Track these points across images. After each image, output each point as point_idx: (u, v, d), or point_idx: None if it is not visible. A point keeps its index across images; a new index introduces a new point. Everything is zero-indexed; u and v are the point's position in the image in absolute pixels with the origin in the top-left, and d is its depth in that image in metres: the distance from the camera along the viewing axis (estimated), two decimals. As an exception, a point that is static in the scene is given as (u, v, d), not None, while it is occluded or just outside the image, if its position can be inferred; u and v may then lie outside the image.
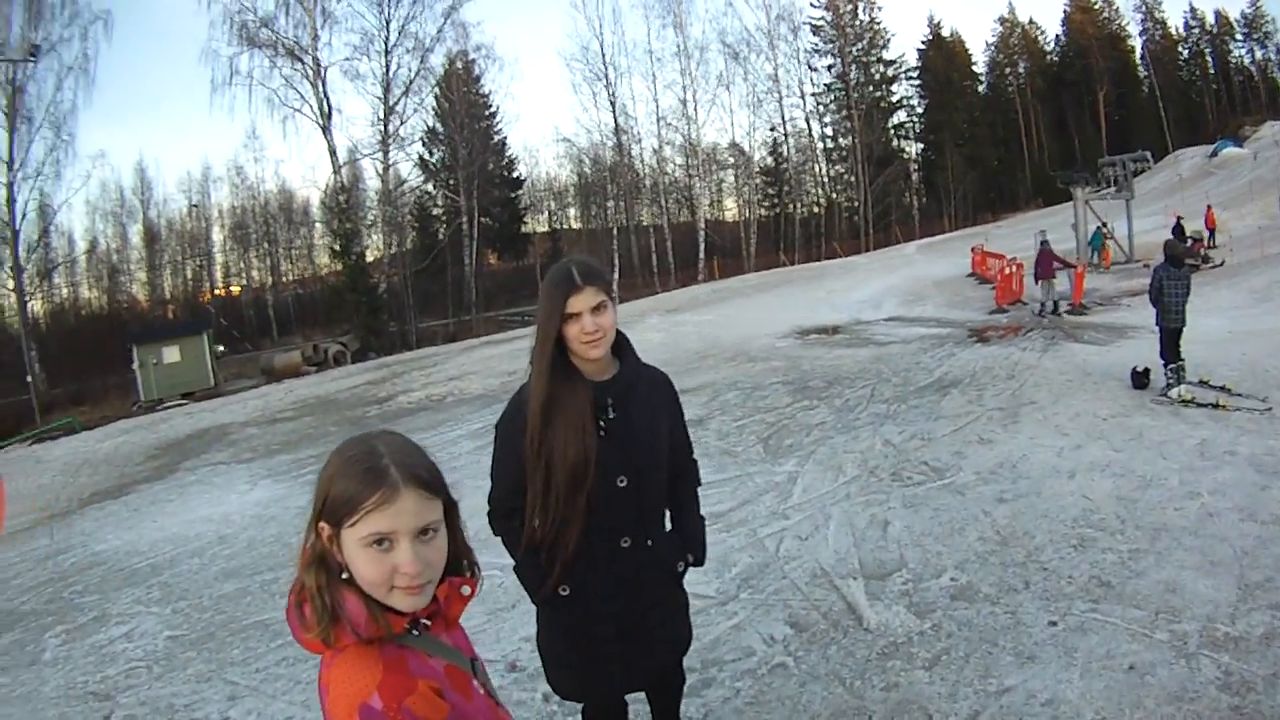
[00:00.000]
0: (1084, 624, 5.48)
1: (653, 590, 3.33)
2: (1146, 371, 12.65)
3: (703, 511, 3.58)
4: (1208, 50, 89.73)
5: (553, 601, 3.28)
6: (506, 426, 3.27)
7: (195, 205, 67.84)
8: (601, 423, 3.13)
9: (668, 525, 3.49)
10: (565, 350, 3.11)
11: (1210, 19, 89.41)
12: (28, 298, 48.03)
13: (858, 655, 5.41)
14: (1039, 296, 24.08)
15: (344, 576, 1.85)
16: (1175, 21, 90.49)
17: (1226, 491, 7.85)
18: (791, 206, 76.44)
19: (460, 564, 2.03)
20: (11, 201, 44.37)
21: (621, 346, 3.29)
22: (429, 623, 1.96)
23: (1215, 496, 7.72)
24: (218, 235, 69.84)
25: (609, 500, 3.14)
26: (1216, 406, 11.10)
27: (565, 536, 3.14)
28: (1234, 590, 5.79)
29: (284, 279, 71.95)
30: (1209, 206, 39.20)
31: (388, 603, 1.84)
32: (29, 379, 41.83)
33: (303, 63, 47.55)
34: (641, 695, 3.75)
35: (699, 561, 3.49)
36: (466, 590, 2.03)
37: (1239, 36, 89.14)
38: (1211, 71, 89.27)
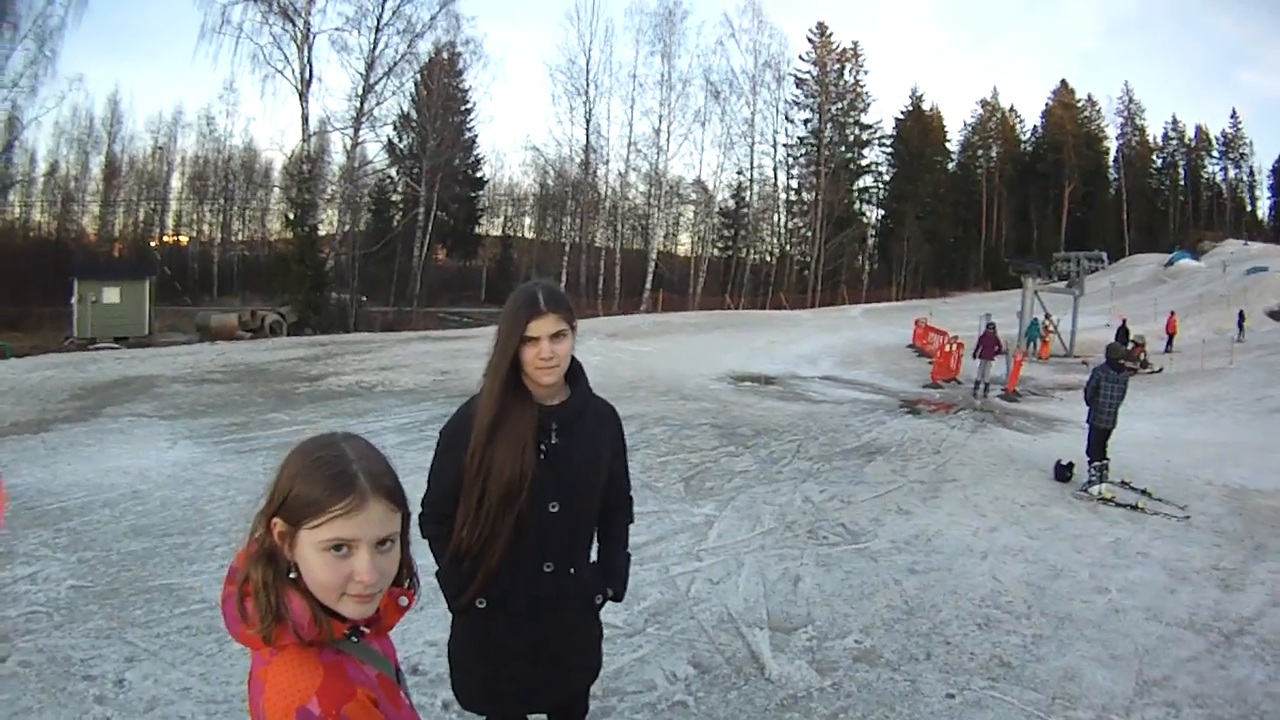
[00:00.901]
0: (981, 700, 5.53)
1: (569, 617, 3.32)
2: (1070, 465, 12.77)
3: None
4: (1182, 162, 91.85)
5: (469, 612, 3.26)
6: (451, 434, 3.27)
7: (160, 147, 66.66)
8: (543, 446, 3.14)
9: (594, 556, 3.48)
10: (520, 371, 3.12)
11: (1190, 133, 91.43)
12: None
13: (757, 703, 5.41)
14: (975, 376, 24.40)
15: (291, 576, 1.81)
16: (1154, 130, 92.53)
17: (1135, 590, 7.97)
18: (745, 251, 77.22)
19: (401, 572, 1.98)
20: (-20, 108, 43.38)
21: (575, 375, 3.30)
22: (367, 630, 1.92)
23: (1123, 594, 7.83)
24: (176, 182, 68.82)
25: (539, 523, 3.14)
26: (1135, 508, 11.25)
27: (490, 551, 3.14)
28: (1131, 684, 5.88)
29: (234, 238, 70.87)
30: (1172, 313, 40.26)
31: (336, 608, 1.80)
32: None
33: (294, 24, 46.76)
34: (543, 717, 3.70)
35: (618, 597, 3.50)
36: (404, 601, 2.02)
37: (1215, 154, 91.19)
38: (1182, 183, 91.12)
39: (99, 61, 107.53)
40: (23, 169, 56.83)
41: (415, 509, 3.26)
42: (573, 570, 3.27)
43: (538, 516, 3.14)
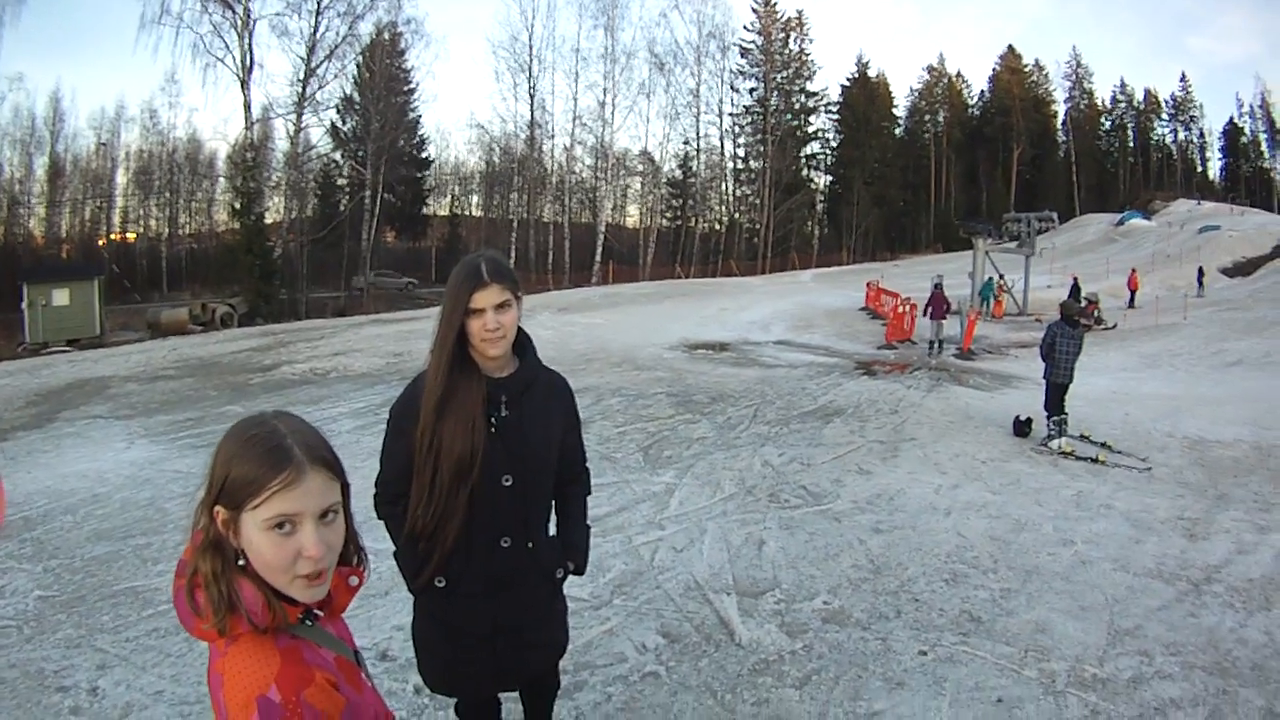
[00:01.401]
0: (953, 655, 5.51)
1: (529, 593, 3.30)
2: (1029, 421, 12.83)
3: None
4: (1130, 124, 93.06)
5: (428, 592, 3.26)
6: (400, 413, 3.24)
7: (104, 144, 65.44)
8: (493, 420, 3.12)
9: (553, 530, 3.47)
10: (466, 344, 3.09)
11: (1139, 95, 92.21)
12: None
13: (729, 669, 5.37)
14: (929, 336, 24.67)
15: (240, 563, 1.77)
16: (1103, 94, 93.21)
17: (1100, 542, 7.98)
18: (694, 221, 77.34)
19: (348, 549, 1.96)
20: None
21: (523, 346, 3.28)
22: (320, 613, 1.91)
23: (1089, 546, 7.84)
24: (121, 178, 67.73)
25: (492, 498, 3.13)
26: (1096, 461, 11.30)
27: (445, 529, 3.12)
28: (1103, 635, 5.88)
29: (181, 231, 69.90)
30: (1133, 270, 40.75)
31: (288, 592, 1.78)
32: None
33: (234, 11, 46.29)
34: (515, 694, 3.75)
35: (579, 570, 3.49)
36: (355, 581, 2.00)
37: (1164, 116, 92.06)
38: (1131, 145, 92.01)
39: (39, 59, 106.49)
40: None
41: (370, 491, 3.22)
42: (530, 545, 3.25)
43: (491, 491, 3.12)
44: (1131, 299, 38.02)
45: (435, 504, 3.08)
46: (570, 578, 3.43)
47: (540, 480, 3.28)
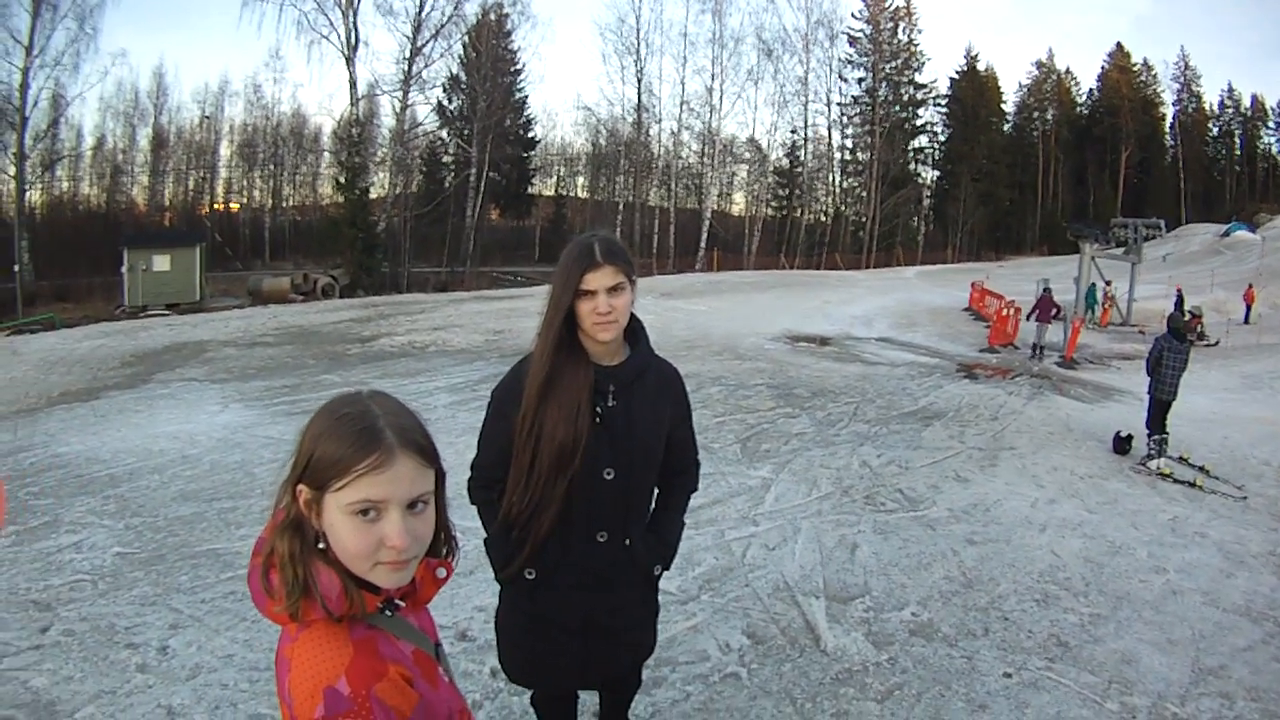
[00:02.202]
0: (1038, 681, 5.47)
1: (623, 591, 3.27)
2: (1129, 438, 12.59)
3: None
4: (1238, 131, 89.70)
5: (517, 583, 3.22)
6: (502, 395, 3.19)
7: (207, 117, 66.67)
8: (599, 409, 3.04)
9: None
10: (575, 328, 3.02)
11: (1246, 101, 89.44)
12: (27, 187, 47.80)
13: (811, 676, 5.37)
14: (1032, 339, 24.35)
15: (320, 546, 1.73)
16: (1211, 98, 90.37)
17: (1192, 572, 7.85)
18: (800, 211, 76.88)
19: (438, 540, 1.90)
20: (25, 88, 44.08)
21: (635, 333, 3.22)
22: (402, 603, 1.86)
23: (1181, 575, 7.72)
24: (225, 150, 68.78)
25: (592, 491, 3.06)
26: (1193, 485, 11.09)
27: (540, 519, 3.06)
28: (1188, 672, 5.80)
29: (285, 203, 71.00)
30: (1250, 285, 39.26)
31: (368, 578, 1.72)
32: (16, 268, 41.52)
33: (338, -11, 46.97)
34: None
35: (666, 567, 3.41)
36: (443, 573, 1.94)
37: (1271, 124, 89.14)
38: (1238, 153, 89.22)
39: (142, 36, 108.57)
40: (69, 145, 57.50)
41: (465, 473, 3.25)
42: (628, 541, 3.20)
43: (591, 484, 3.05)
44: (1247, 314, 36.67)
45: (532, 492, 3.02)
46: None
47: (644, 475, 3.22)
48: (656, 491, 3.41)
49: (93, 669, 5.12)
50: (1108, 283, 35.01)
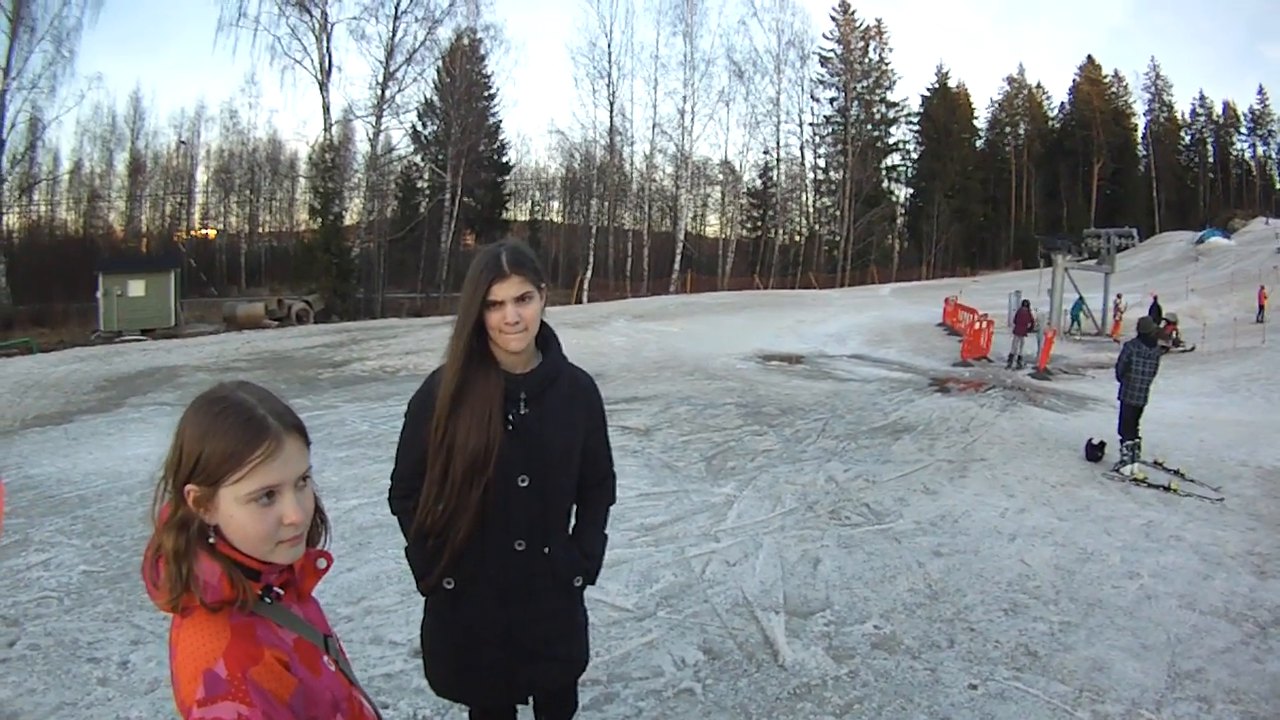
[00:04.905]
0: (1004, 691, 5.34)
1: (545, 602, 3.18)
2: (1102, 445, 12.55)
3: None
4: (1210, 139, 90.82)
5: (437, 593, 3.18)
6: (417, 406, 3.15)
7: (184, 142, 66.66)
8: (510, 417, 3.02)
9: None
10: (485, 338, 3.00)
11: (1218, 109, 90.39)
12: (5, 211, 48.03)
13: (768, 691, 5.25)
14: (1009, 350, 24.78)
15: (210, 541, 1.79)
16: (1182, 107, 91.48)
17: (1168, 576, 7.75)
18: (773, 232, 77.19)
19: (315, 519, 1.95)
20: (2, 110, 43.95)
21: (547, 341, 3.18)
22: (281, 591, 1.90)
23: (1156, 579, 7.61)
24: (201, 176, 68.73)
25: (507, 499, 3.02)
26: (1168, 489, 11.03)
27: (456, 527, 3.02)
28: (1163, 677, 5.68)
29: (260, 229, 71.23)
30: (1262, 286, 39.36)
31: (271, 559, 1.80)
32: (-8, 293, 41.23)
33: (311, 14, 47.29)
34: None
35: (589, 580, 3.33)
36: (323, 564, 1.99)
37: (1243, 130, 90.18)
38: (1211, 160, 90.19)
39: (119, 59, 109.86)
40: (46, 168, 57.43)
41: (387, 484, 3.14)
42: (546, 550, 3.14)
43: (506, 491, 3.01)
44: (1260, 313, 36.80)
45: (447, 500, 3.01)
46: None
47: (559, 482, 3.18)
48: (576, 506, 3.37)
49: (55, 682, 5.17)
50: (1118, 296, 35.26)
